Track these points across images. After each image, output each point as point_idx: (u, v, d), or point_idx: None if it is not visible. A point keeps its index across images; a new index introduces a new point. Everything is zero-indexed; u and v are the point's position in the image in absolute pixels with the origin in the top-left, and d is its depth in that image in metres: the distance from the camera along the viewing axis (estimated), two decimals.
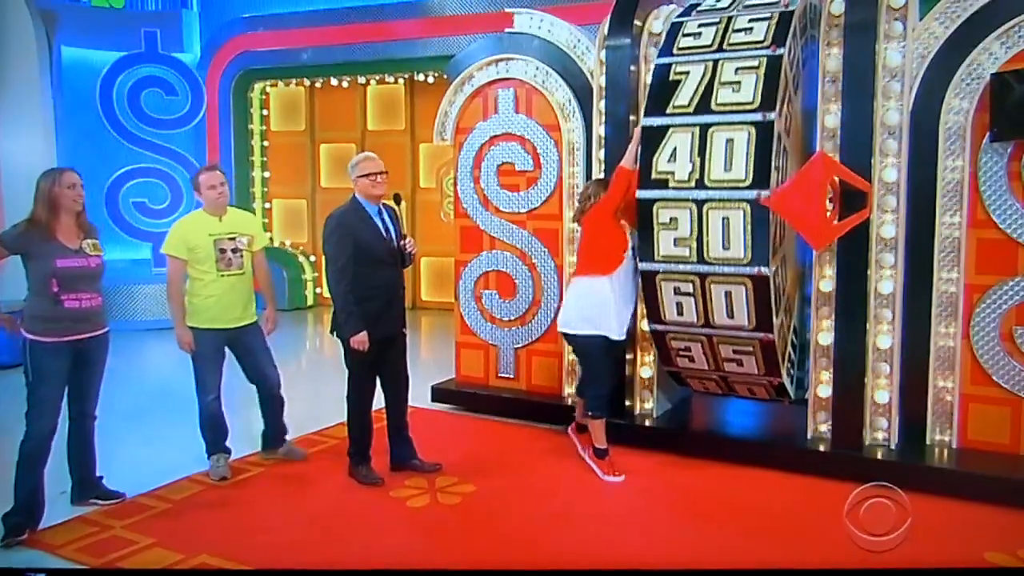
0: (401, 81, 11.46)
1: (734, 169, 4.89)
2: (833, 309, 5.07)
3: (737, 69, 5.00)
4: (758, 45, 4.99)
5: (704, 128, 4.99)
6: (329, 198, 11.28)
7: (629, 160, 5.16)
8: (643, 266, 5.20)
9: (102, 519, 4.51)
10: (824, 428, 5.17)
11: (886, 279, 4.95)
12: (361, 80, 11.52)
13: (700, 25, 5.28)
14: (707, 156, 4.97)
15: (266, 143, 12.12)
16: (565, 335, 5.26)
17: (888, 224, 4.92)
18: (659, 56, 5.34)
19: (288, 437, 5.52)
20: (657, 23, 5.63)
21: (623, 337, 5.18)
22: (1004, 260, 4.83)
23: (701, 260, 5.00)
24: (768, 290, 4.88)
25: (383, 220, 4.92)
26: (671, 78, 5.19)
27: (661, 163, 5.09)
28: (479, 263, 6.55)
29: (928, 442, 5.06)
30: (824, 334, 5.13)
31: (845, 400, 5.07)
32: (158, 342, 8.92)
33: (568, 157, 6.10)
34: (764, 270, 4.85)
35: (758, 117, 4.85)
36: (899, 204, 4.90)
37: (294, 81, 11.77)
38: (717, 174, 4.93)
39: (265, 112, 12.08)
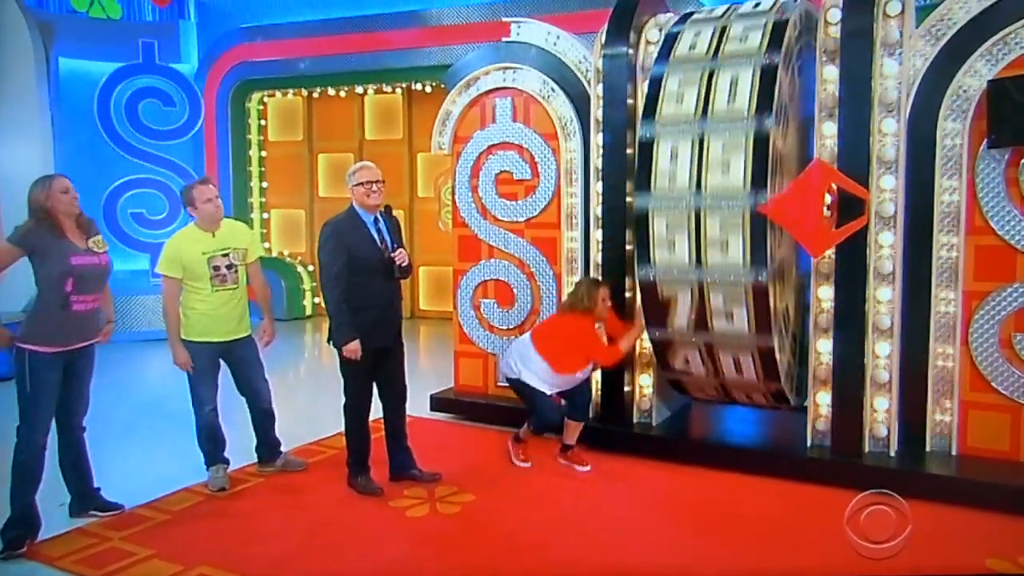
0: (399, 91, 11.48)
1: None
2: (832, 316, 5.07)
3: (724, 299, 5.04)
4: (739, 266, 4.95)
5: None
6: (327, 208, 11.26)
7: (627, 346, 5.33)
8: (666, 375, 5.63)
9: (101, 531, 4.49)
10: (824, 436, 5.17)
11: (885, 286, 4.95)
12: (359, 90, 11.55)
13: (666, 209, 5.11)
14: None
15: (264, 153, 12.14)
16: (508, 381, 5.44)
17: (886, 232, 4.92)
18: (639, 267, 5.28)
19: (286, 448, 5.51)
20: (654, 31, 5.64)
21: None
22: (1002, 266, 4.83)
23: (717, 375, 5.38)
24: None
25: (379, 230, 4.91)
26: (660, 298, 5.24)
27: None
28: (477, 272, 6.55)
29: (928, 449, 5.05)
30: (823, 341, 5.13)
31: (844, 407, 5.07)
32: (156, 353, 8.90)
33: (566, 166, 6.11)
34: (776, 385, 5.18)
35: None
36: (897, 210, 4.91)
37: (292, 91, 11.80)
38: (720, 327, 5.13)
39: (263, 122, 12.11)
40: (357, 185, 4.88)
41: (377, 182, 4.88)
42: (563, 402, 5.37)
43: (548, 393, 5.22)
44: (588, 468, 5.31)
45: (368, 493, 4.94)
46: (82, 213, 4.49)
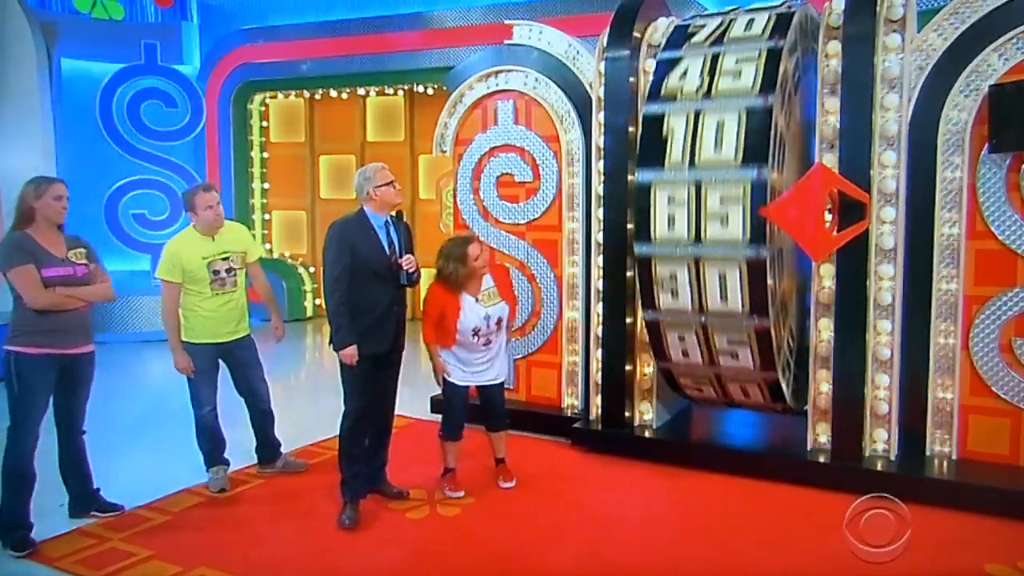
0: (400, 93, 11.49)
1: None
2: (832, 319, 5.07)
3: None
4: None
5: None
6: (329, 209, 11.31)
7: (431, 352, 5.04)
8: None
9: (100, 531, 4.50)
10: (824, 439, 5.17)
11: (885, 289, 4.95)
12: (360, 92, 11.55)
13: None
14: None
15: (266, 154, 12.14)
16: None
17: (887, 234, 4.92)
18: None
19: (287, 449, 5.51)
20: (656, 34, 5.64)
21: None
22: (1003, 271, 4.83)
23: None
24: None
25: (388, 234, 4.72)
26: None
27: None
28: None
29: (928, 453, 5.05)
30: (823, 344, 5.13)
31: (845, 411, 5.07)
32: (156, 354, 8.90)
33: (567, 168, 6.11)
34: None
35: None
36: (898, 214, 4.91)
37: (294, 93, 11.80)
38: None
39: (265, 123, 12.11)
40: (384, 185, 4.66)
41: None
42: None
43: (460, 384, 5.03)
44: (512, 484, 5.19)
45: (344, 527, 4.58)
46: (77, 237, 4.50)
